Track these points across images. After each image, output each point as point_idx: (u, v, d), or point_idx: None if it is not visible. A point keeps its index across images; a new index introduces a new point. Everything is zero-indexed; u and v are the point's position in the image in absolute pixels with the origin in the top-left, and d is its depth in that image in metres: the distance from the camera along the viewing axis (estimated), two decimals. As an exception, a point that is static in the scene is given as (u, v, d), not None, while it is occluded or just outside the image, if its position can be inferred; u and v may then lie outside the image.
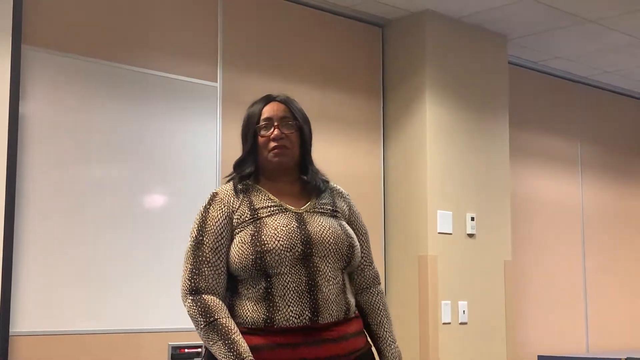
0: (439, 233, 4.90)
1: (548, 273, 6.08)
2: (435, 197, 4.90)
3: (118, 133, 4.02)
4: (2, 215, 3.59)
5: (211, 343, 2.20)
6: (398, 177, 5.04)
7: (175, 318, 4.09)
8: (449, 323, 4.85)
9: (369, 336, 2.44)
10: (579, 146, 6.48)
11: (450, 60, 5.10)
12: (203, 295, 2.25)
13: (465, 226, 5.05)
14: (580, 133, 6.50)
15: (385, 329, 2.43)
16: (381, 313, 2.44)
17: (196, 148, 4.29)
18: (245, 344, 2.19)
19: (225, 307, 2.26)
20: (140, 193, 4.08)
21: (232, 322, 2.23)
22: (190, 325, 4.21)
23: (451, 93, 5.08)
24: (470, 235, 5.08)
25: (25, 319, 3.65)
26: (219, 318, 2.21)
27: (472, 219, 5.08)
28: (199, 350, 4.14)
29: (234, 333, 2.20)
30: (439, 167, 4.95)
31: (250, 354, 2.17)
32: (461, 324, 4.93)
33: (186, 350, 4.10)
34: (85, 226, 3.86)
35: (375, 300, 2.45)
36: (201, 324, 2.22)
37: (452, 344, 4.85)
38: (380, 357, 2.42)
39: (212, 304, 2.24)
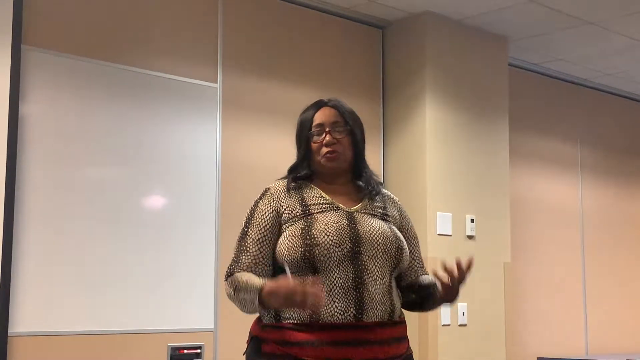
0: (439, 235, 4.90)
1: (547, 275, 6.08)
2: (434, 199, 4.90)
3: (118, 134, 4.02)
4: (1, 215, 3.58)
5: (242, 302, 2.27)
6: (398, 179, 5.04)
7: (175, 319, 4.09)
8: (449, 325, 4.85)
9: (418, 293, 2.48)
10: (579, 148, 6.48)
11: (450, 62, 5.10)
12: (234, 274, 2.33)
13: (465, 228, 5.05)
14: (580, 135, 6.50)
15: (432, 279, 2.48)
16: (429, 278, 2.50)
17: (196, 149, 4.29)
18: (257, 278, 2.26)
19: (248, 273, 2.32)
20: (139, 194, 4.08)
21: (249, 274, 2.30)
22: (189, 326, 4.25)
23: (451, 95, 5.08)
24: (470, 237, 5.08)
25: (25, 319, 3.65)
26: (238, 278, 2.29)
27: (472, 220, 5.08)
28: (198, 351, 4.14)
29: (248, 276, 2.27)
30: (438, 168, 4.95)
31: (263, 281, 2.22)
32: (460, 325, 4.93)
33: (185, 351, 4.10)
34: (84, 227, 3.86)
35: (425, 276, 2.52)
36: (232, 294, 2.30)
37: (451, 345, 4.84)
38: (428, 290, 2.46)
39: (237, 274, 2.32)
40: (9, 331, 3.58)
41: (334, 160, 2.42)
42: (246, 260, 2.34)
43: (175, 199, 4.19)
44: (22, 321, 3.64)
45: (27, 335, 3.65)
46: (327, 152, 2.41)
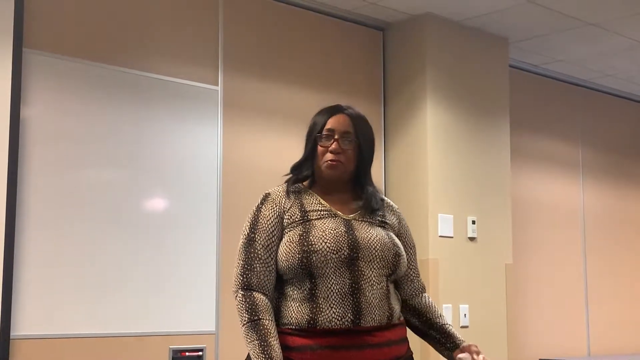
0: (440, 236, 4.90)
1: (549, 276, 6.08)
2: (436, 201, 4.90)
3: (119, 137, 4.02)
4: (3, 218, 3.59)
5: (249, 340, 2.26)
6: (399, 181, 5.04)
7: (176, 321, 4.09)
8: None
9: (427, 328, 2.50)
10: (580, 149, 6.48)
11: (451, 64, 5.10)
12: (254, 293, 2.30)
13: (466, 229, 5.05)
14: (581, 136, 6.50)
15: (444, 319, 2.52)
16: (437, 310, 2.54)
17: (197, 151, 4.29)
18: (280, 351, 2.23)
19: (271, 308, 2.31)
20: (140, 196, 4.08)
21: (274, 325, 2.28)
22: (191, 328, 4.24)
23: (452, 96, 5.08)
24: (472, 239, 5.08)
25: (26, 322, 3.64)
26: (263, 319, 2.26)
27: (473, 222, 5.08)
28: (200, 353, 4.14)
29: (272, 337, 2.24)
30: (439, 170, 4.95)
31: None
32: (462, 327, 4.93)
33: (187, 353, 4.10)
34: (85, 229, 3.86)
35: (429, 301, 2.55)
36: (245, 320, 2.28)
37: (453, 347, 4.84)
38: (445, 339, 2.47)
39: (260, 303, 2.29)
40: (11, 334, 3.58)
41: (334, 169, 2.41)
42: (260, 268, 2.32)
43: (176, 202, 4.19)
44: (24, 324, 3.64)
45: (29, 338, 3.65)
46: (330, 160, 2.40)
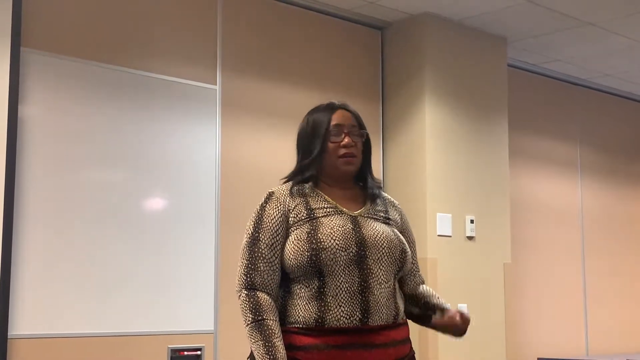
0: (439, 236, 4.90)
1: (548, 275, 6.08)
2: (434, 200, 4.90)
3: (117, 136, 4.02)
4: (1, 218, 3.58)
5: (253, 341, 2.25)
6: (397, 180, 5.04)
7: (175, 321, 4.09)
8: (449, 326, 4.84)
9: (425, 309, 2.52)
10: (579, 149, 6.49)
11: (449, 63, 5.10)
12: (257, 293, 2.29)
13: (465, 229, 5.05)
14: (579, 136, 6.50)
15: (442, 300, 2.54)
16: (435, 293, 2.56)
17: (196, 151, 4.29)
18: (284, 352, 2.23)
19: (275, 308, 2.30)
20: (139, 196, 4.08)
21: (278, 325, 2.27)
22: (189, 327, 4.24)
23: (451, 96, 5.08)
24: (470, 238, 5.08)
25: (24, 321, 3.64)
26: (267, 319, 2.25)
27: (472, 221, 5.08)
28: (199, 353, 4.14)
29: (277, 337, 2.24)
30: (438, 169, 4.95)
31: None
32: (461, 326, 4.92)
33: (185, 353, 4.10)
34: (84, 229, 3.86)
35: (427, 288, 2.58)
36: (249, 320, 2.27)
37: (451, 346, 4.84)
38: (436, 313, 2.51)
39: (264, 303, 2.28)
40: (9, 333, 3.58)
41: (350, 165, 2.43)
42: (264, 268, 2.31)
43: (175, 201, 4.19)
44: (22, 323, 3.64)
45: (27, 338, 3.65)
46: (345, 155, 2.41)
